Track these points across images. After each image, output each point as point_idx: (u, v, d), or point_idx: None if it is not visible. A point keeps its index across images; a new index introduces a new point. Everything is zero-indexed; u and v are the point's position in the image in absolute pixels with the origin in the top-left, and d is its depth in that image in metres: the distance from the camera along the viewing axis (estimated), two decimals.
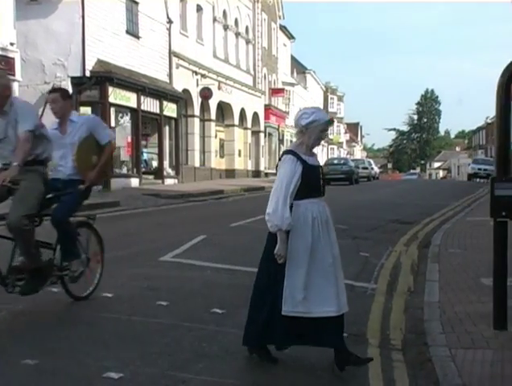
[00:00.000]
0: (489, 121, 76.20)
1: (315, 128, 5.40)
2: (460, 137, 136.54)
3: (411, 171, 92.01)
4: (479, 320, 7.14)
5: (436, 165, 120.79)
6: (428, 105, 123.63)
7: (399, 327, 7.20)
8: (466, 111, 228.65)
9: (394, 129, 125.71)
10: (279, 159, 5.55)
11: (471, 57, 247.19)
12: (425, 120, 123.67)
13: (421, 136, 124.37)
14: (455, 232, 15.63)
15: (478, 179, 50.49)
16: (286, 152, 5.52)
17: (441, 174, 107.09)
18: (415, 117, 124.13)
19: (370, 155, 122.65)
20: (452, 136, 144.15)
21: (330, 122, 5.63)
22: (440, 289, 8.97)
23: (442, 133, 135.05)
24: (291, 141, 62.15)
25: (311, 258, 5.30)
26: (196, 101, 37.01)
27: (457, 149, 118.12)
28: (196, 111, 37.27)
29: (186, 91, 35.24)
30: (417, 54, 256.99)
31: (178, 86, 33.92)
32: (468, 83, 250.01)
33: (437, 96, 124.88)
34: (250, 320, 5.56)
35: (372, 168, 57.61)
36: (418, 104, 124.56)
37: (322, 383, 5.41)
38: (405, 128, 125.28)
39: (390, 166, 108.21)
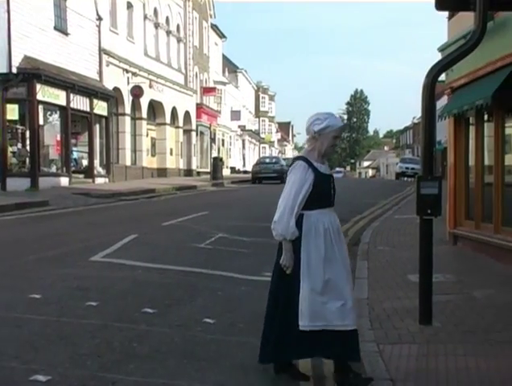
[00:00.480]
0: (415, 121, 77.91)
1: (329, 134, 5.16)
2: (389, 136, 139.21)
3: (337, 169, 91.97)
4: (406, 316, 7.31)
5: (366, 164, 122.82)
6: (358, 105, 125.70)
7: None
8: (394, 111, 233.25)
9: None
10: (290, 165, 5.30)
11: (399, 58, 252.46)
12: (355, 119, 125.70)
13: (351, 135, 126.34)
14: (383, 229, 15.95)
15: (406, 178, 51.62)
16: (298, 158, 5.26)
17: (370, 172, 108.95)
18: (345, 116, 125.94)
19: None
20: (381, 135, 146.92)
21: (344, 128, 5.43)
22: (369, 286, 9.14)
23: (371, 132, 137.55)
24: (222, 140, 62.19)
25: (327, 269, 5.06)
26: (127, 99, 36.58)
27: (386, 148, 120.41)
28: (127, 109, 36.84)
29: (117, 89, 34.79)
30: (348, 54, 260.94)
31: (108, 84, 33.45)
32: (396, 83, 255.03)
33: (366, 97, 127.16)
34: (264, 336, 5.29)
35: None
36: (348, 104, 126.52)
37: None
38: None
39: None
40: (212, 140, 53.18)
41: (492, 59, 10.72)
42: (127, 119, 36.96)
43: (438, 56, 12.72)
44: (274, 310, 5.19)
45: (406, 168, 52.91)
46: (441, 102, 24.07)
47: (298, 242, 5.10)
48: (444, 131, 14.46)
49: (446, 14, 13.77)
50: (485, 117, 12.28)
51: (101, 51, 32.66)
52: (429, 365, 5.61)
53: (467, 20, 8.86)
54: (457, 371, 5.45)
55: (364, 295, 8.54)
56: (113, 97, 33.85)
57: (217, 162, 43.02)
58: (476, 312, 7.49)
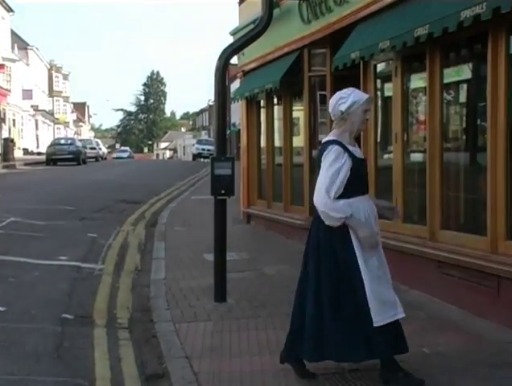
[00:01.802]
0: (211, 103, 79.20)
1: (357, 110, 4.73)
2: (186, 118, 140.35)
3: (122, 148, 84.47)
4: (202, 294, 7.49)
5: (163, 145, 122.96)
6: (154, 86, 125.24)
7: (126, 306, 7.29)
8: (191, 93, 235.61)
9: (122, 110, 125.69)
10: (320, 150, 4.81)
11: (194, 40, 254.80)
12: (152, 101, 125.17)
13: (148, 116, 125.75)
14: (180, 210, 16.14)
15: (202, 159, 52.42)
16: (331, 142, 4.74)
17: (168, 154, 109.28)
18: (142, 97, 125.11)
19: (98, 135, 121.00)
20: (178, 117, 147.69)
21: (370, 100, 4.97)
22: (166, 266, 9.24)
23: (168, 114, 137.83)
24: (13, 120, 59.09)
25: (377, 257, 4.76)
26: None
27: (183, 129, 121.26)
28: None
29: None
30: (145, 35, 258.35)
31: None
32: (192, 65, 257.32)
33: (163, 78, 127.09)
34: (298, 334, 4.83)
35: (100, 148, 57.03)
36: (144, 85, 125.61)
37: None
38: (132, 108, 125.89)
39: (117, 146, 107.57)
40: (2, 120, 50.39)
41: (279, 44, 11.19)
42: None
43: (231, 40, 13.03)
44: (318, 310, 4.69)
45: (203, 149, 53.81)
46: (235, 85, 24.69)
47: (346, 234, 4.66)
48: (239, 113, 14.85)
49: None
50: (275, 100, 12.81)
51: None
52: (223, 341, 5.80)
53: (256, 6, 9.16)
54: (249, 344, 5.69)
55: (161, 275, 8.62)
56: None
57: (8, 143, 40.89)
58: (268, 287, 7.85)
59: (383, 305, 4.58)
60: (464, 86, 7.77)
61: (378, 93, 9.06)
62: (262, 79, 12.05)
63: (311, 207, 10.81)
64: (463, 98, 7.81)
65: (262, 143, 13.51)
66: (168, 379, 5.02)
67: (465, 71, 7.59)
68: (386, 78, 8.72)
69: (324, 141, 4.85)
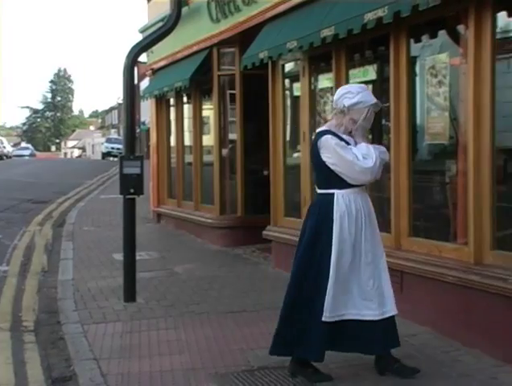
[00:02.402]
0: (120, 101, 78.13)
1: (359, 110, 4.56)
2: (94, 116, 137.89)
3: (22, 146, 79.85)
4: (111, 294, 7.39)
5: (71, 144, 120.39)
6: (62, 84, 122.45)
7: (32, 308, 7.11)
8: (100, 91, 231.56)
9: (28, 107, 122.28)
10: (314, 140, 4.69)
11: (103, 37, 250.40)
12: (59, 98, 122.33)
13: (55, 114, 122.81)
14: (89, 210, 15.88)
15: (112, 158, 51.69)
16: (324, 132, 4.63)
17: (76, 152, 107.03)
18: (49, 95, 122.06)
19: (3, 133, 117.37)
20: (86, 115, 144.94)
21: (377, 105, 4.69)
22: (74, 266, 9.07)
23: (76, 112, 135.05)
24: None
25: (356, 252, 4.60)
26: None
27: (91, 128, 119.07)
28: None
29: None
30: (53, 30, 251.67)
31: None
32: (101, 63, 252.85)
33: (70, 75, 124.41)
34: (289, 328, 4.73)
35: (4, 147, 55.37)
36: (51, 82, 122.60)
37: None
38: (39, 106, 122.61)
39: (23, 144, 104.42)
40: None
41: (189, 42, 11.16)
42: None
43: (140, 37, 12.89)
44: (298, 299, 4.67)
45: (112, 148, 53.09)
46: (145, 83, 24.44)
47: (329, 225, 4.56)
48: (149, 112, 14.73)
49: None
50: (185, 98, 12.77)
51: None
52: (133, 341, 5.75)
53: (164, 3, 9.11)
54: (159, 343, 5.65)
55: (69, 276, 8.47)
56: None
57: None
58: (178, 286, 7.82)
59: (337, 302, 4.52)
60: (370, 86, 7.96)
61: (287, 93, 9.19)
62: (172, 77, 11.99)
63: (221, 205, 10.88)
64: None
65: (172, 142, 13.46)
66: (76, 381, 4.92)
67: (370, 72, 7.79)
68: (294, 78, 8.84)
69: (318, 130, 4.81)
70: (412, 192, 6.24)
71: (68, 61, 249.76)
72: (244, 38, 9.35)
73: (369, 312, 4.55)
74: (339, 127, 4.64)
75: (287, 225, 8.53)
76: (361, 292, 4.57)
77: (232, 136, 11.01)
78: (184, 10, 8.56)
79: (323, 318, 4.49)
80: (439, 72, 6.00)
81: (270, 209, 8.88)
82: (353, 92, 4.60)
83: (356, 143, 4.62)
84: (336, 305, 4.51)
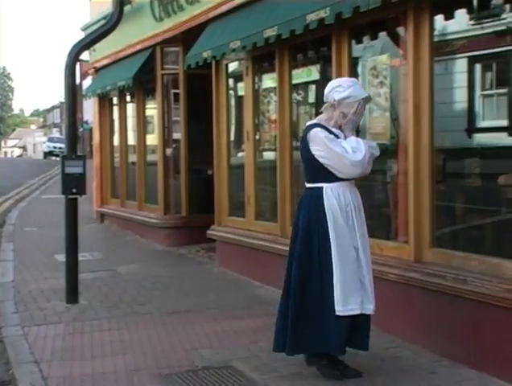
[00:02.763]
0: (62, 100, 76.97)
1: (349, 104, 4.51)
2: (36, 115, 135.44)
3: None
4: (52, 296, 7.28)
5: (12, 143, 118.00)
6: (1, 82, 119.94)
7: None
8: (41, 89, 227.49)
9: None
10: (304, 133, 4.64)
11: (45, 35, 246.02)
12: None
13: None
14: (31, 210, 15.62)
15: (54, 157, 50.95)
16: (313, 125, 4.58)
17: (17, 152, 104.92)
18: None
19: None
20: (28, 114, 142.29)
21: (368, 99, 4.68)
22: (15, 268, 8.91)
23: (17, 110, 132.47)
24: None
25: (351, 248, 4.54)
26: None
27: (33, 127, 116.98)
28: None
29: None
30: None
31: None
32: (42, 60, 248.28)
33: (9, 73, 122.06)
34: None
35: None
36: None
37: None
38: None
39: None
40: None
41: (132, 41, 11.08)
42: None
43: (82, 35, 12.73)
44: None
45: (54, 147, 52.40)
46: (88, 82, 24.13)
47: (321, 219, 4.49)
48: (92, 111, 14.57)
49: None
50: (128, 97, 12.67)
51: None
52: (75, 343, 5.67)
53: (107, 2, 9.01)
54: (102, 345, 5.59)
55: (9, 278, 8.31)
56: None
57: None
58: (121, 287, 7.75)
59: (348, 296, 4.47)
60: (313, 87, 8.04)
61: (231, 92, 9.20)
62: (115, 76, 11.88)
63: (165, 205, 10.83)
64: (312, 98, 8.09)
65: (116, 141, 13.34)
66: (15, 385, 4.83)
67: (314, 72, 7.86)
68: (238, 77, 8.86)
69: (307, 124, 4.75)
70: None
71: (7, 59, 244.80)
72: (188, 37, 9.33)
73: (371, 306, 4.56)
74: (329, 121, 4.60)
75: (232, 225, 8.55)
76: (365, 285, 4.54)
77: (176, 135, 10.98)
78: (127, 8, 8.49)
79: (336, 313, 4.45)
80: (380, 73, 6.09)
81: (214, 209, 8.88)
82: (343, 86, 4.55)
83: (346, 137, 4.57)
84: (347, 299, 4.46)
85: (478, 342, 4.63)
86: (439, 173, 5.61)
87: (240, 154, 8.89)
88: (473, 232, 5.77)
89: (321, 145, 4.48)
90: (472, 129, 7.33)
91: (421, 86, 5.35)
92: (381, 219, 6.57)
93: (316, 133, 4.50)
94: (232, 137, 9.05)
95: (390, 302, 5.50)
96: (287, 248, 7.04)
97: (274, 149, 7.77)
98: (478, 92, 7.23)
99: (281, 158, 7.41)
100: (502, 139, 6.17)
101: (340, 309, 4.45)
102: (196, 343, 5.53)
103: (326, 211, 4.48)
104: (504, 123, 6.60)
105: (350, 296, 4.46)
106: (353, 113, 4.53)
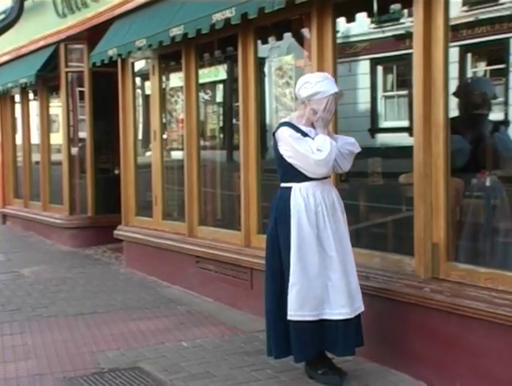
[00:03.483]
0: None
1: (319, 101, 4.33)
2: None
3: None
4: None
5: None
6: None
7: None
8: None
9: None
10: (273, 134, 4.48)
11: None
12: None
13: None
14: None
15: None
16: (283, 124, 4.44)
17: None
18: None
19: None
20: None
21: (338, 95, 4.42)
22: None
23: None
24: None
25: (320, 250, 4.37)
26: None
27: None
28: None
29: None
30: None
31: None
32: None
33: None
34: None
35: None
36: None
37: None
38: None
39: None
40: None
41: (34, 37, 10.77)
42: None
43: None
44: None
45: None
46: None
47: (287, 219, 4.35)
48: None
49: None
50: (31, 95, 12.34)
51: None
52: None
53: None
54: (3, 350, 5.41)
55: None
56: None
57: None
58: (24, 290, 7.54)
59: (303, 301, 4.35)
60: (220, 86, 8.08)
61: (139, 91, 9.11)
62: (17, 73, 11.53)
63: (71, 205, 10.61)
64: (219, 98, 8.12)
65: (18, 140, 12.96)
66: None
67: (221, 72, 7.89)
68: (145, 76, 8.78)
69: (279, 122, 4.62)
70: (261, 191, 6.37)
71: None
72: (93, 34, 9.16)
73: (342, 310, 4.36)
74: (301, 118, 4.47)
75: (139, 225, 8.47)
76: (333, 289, 4.37)
77: (82, 134, 10.76)
78: (28, 3, 8.29)
79: (288, 317, 4.36)
80: (285, 73, 6.18)
81: (121, 209, 8.77)
82: (311, 83, 4.40)
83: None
84: (301, 304, 4.33)
85: (381, 337, 4.76)
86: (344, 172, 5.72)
87: (148, 154, 8.82)
88: (375, 230, 5.94)
89: (287, 145, 4.38)
90: (374, 129, 7.55)
91: None
92: None
93: (283, 132, 4.41)
94: (139, 137, 8.96)
95: None
96: (195, 248, 7.11)
97: (182, 149, 7.75)
98: (380, 93, 7.45)
99: (188, 158, 7.38)
100: (403, 139, 6.37)
101: (292, 313, 4.36)
102: (103, 345, 5.44)
103: (292, 211, 4.40)
104: (405, 124, 6.83)
105: (305, 301, 4.35)
106: (322, 110, 4.37)
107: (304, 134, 4.38)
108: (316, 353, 4.49)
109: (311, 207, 4.37)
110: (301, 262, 4.33)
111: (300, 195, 4.39)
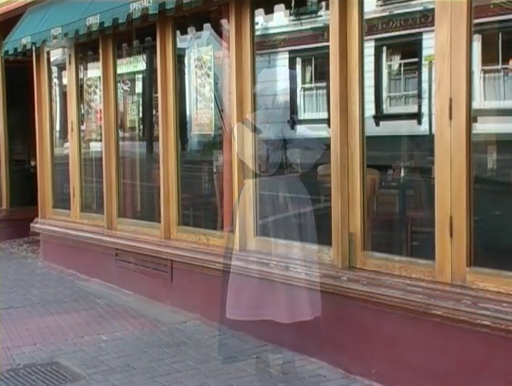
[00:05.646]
0: None
1: (265, 98, 4.52)
2: None
3: None
4: None
5: None
6: None
7: None
8: None
9: None
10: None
11: None
12: None
13: None
14: None
15: None
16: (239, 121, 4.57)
17: None
18: None
19: None
20: None
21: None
22: None
23: None
24: None
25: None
26: None
27: None
28: None
29: None
30: None
31: None
32: None
33: None
34: None
35: None
36: None
37: None
38: None
39: None
40: None
41: None
42: None
43: None
44: None
45: None
46: None
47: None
48: None
49: None
50: None
51: None
52: None
53: None
54: None
55: None
56: None
57: None
58: None
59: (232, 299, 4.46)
60: (140, 77, 7.97)
61: (56, 81, 8.90)
62: None
63: None
64: (139, 89, 8.01)
65: None
66: None
67: (140, 63, 7.78)
68: (62, 66, 8.58)
69: None
70: (181, 182, 6.34)
71: None
72: (6, 22, 8.88)
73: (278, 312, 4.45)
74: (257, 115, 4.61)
75: (56, 217, 8.30)
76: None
77: None
78: None
79: (226, 315, 4.46)
80: (204, 65, 6.15)
81: (38, 201, 8.56)
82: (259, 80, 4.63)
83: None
84: (231, 302, 4.43)
85: (300, 326, 4.81)
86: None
87: (66, 145, 8.63)
88: (295, 220, 5.97)
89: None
90: (294, 120, 7.61)
91: (244, 78, 5.43)
92: (207, 209, 6.67)
93: (233, 129, 4.66)
94: (57, 128, 8.76)
95: (216, 291, 5.56)
96: (114, 240, 7.02)
97: (101, 140, 7.62)
98: (299, 85, 7.52)
99: (106, 149, 7.27)
100: (322, 130, 6.44)
101: (230, 311, 4.47)
102: (18, 341, 5.32)
103: (239, 207, 4.57)
104: (323, 115, 6.92)
105: (234, 300, 4.46)
106: (265, 107, 4.56)
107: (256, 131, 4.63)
108: None
109: (265, 202, 4.60)
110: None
111: (249, 191, 4.63)
